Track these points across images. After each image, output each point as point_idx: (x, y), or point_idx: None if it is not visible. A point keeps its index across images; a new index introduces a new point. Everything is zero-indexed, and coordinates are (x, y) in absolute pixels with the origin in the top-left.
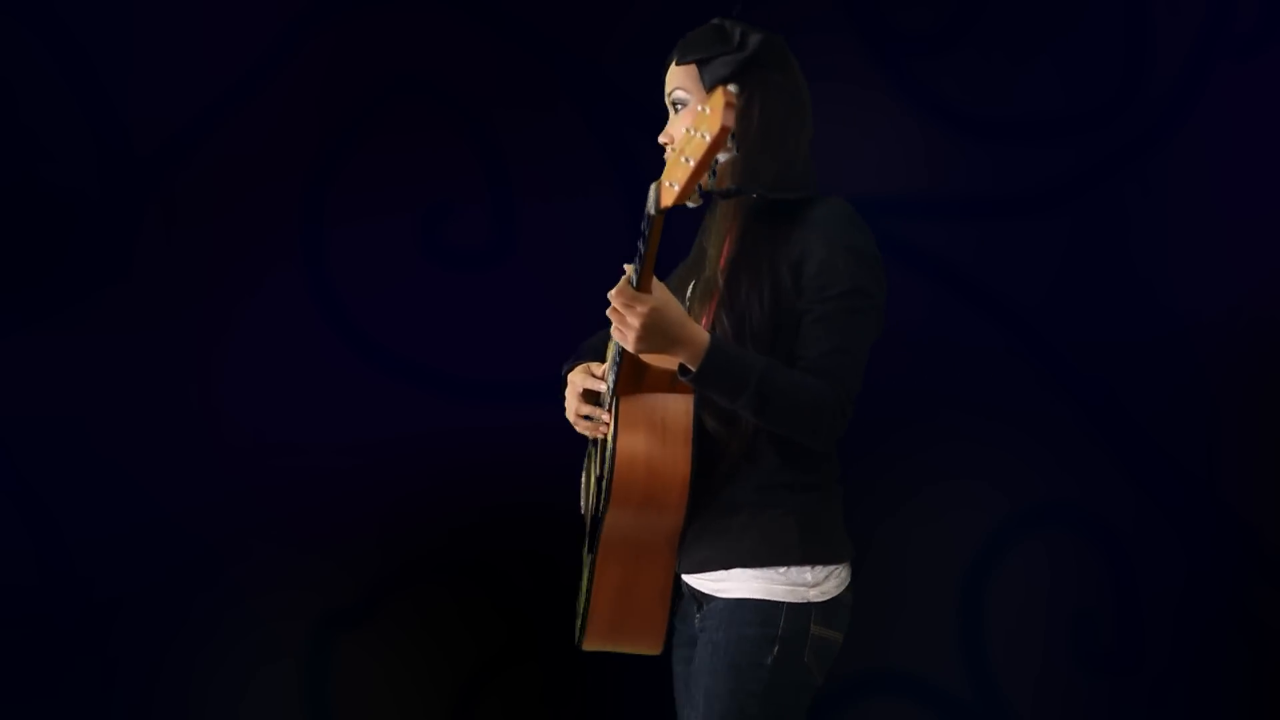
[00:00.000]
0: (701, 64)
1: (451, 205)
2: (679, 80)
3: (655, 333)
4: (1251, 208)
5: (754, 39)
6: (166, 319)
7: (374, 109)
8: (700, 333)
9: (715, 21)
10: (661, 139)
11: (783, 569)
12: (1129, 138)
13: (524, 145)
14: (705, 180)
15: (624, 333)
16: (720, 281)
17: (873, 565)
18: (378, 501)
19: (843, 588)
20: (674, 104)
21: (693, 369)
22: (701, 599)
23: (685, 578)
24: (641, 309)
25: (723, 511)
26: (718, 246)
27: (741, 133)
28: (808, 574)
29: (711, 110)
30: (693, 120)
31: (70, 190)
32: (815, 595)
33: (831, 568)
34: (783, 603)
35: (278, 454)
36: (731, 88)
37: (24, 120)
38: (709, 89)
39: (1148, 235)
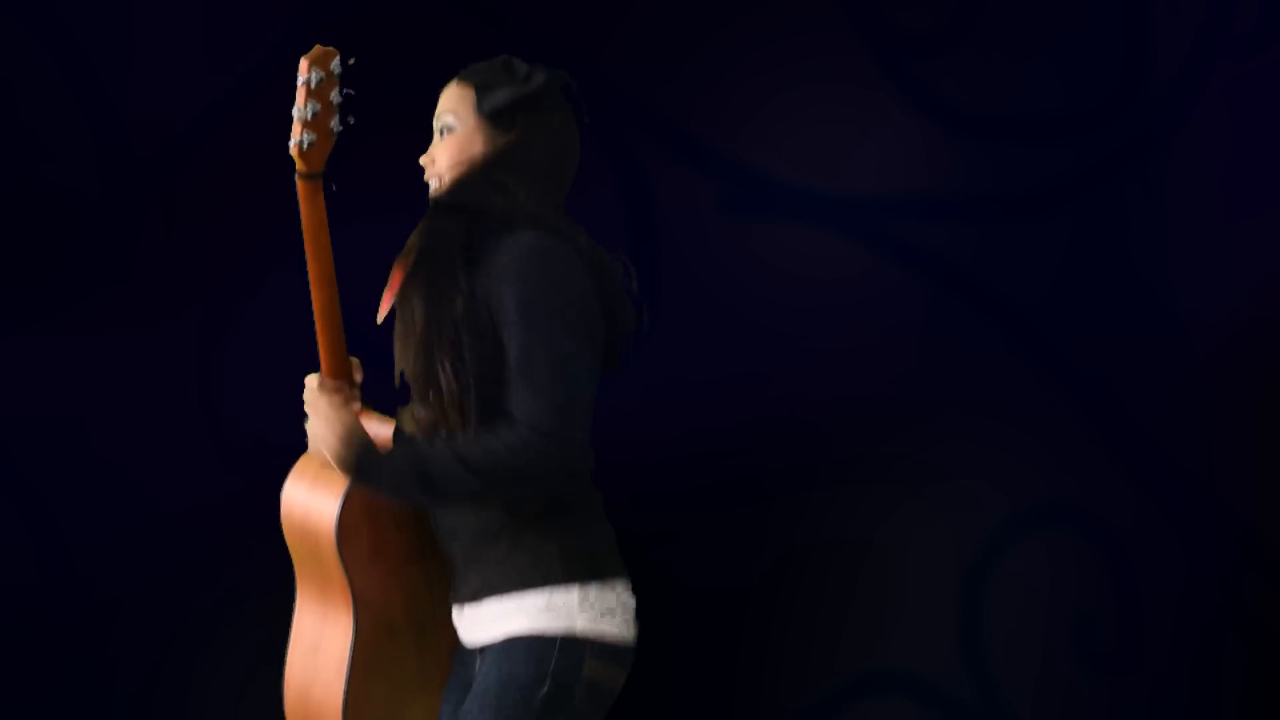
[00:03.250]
0: (481, 88)
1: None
2: (452, 103)
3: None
4: (1251, 208)
5: (539, 77)
6: (166, 319)
7: (374, 109)
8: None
9: (504, 57)
10: (423, 160)
11: (545, 590)
12: (1129, 138)
13: None
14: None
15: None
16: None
17: (873, 565)
18: None
19: (623, 616)
20: (441, 129)
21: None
22: (478, 650)
23: (456, 619)
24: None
25: (482, 539)
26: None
27: (496, 162)
28: (574, 594)
29: None
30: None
31: (70, 190)
32: (583, 622)
33: (595, 586)
34: (555, 637)
35: (278, 454)
36: None
37: (24, 120)
38: (484, 115)
39: (1148, 235)
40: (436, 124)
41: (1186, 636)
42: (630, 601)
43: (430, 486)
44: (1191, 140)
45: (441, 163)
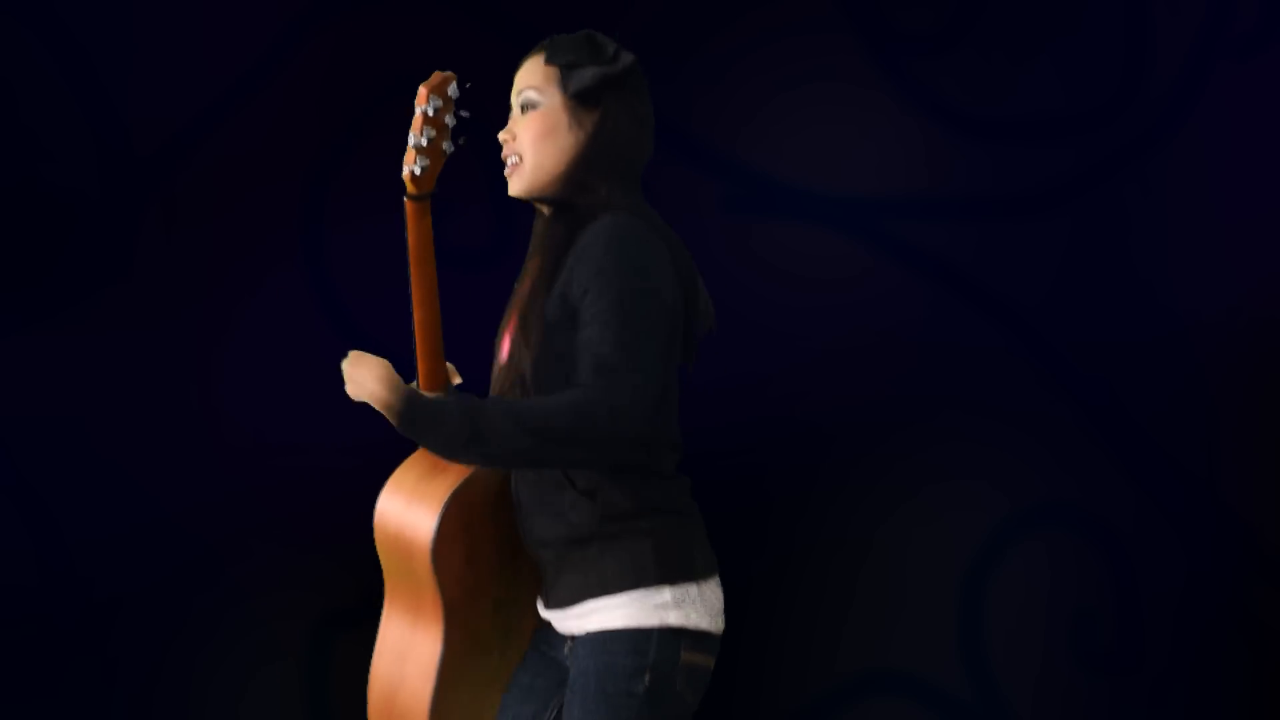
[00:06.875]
0: (568, 68)
1: (451, 205)
2: (535, 80)
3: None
4: (1251, 208)
5: (626, 57)
6: (166, 319)
7: (374, 109)
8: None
9: (587, 32)
10: (502, 136)
11: (640, 591)
12: (1129, 138)
13: None
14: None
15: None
16: (522, 301)
17: (873, 565)
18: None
19: (712, 611)
20: (523, 105)
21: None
22: (569, 636)
23: (546, 615)
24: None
25: (575, 545)
26: (532, 261)
27: (587, 147)
28: (666, 594)
29: None
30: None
31: (70, 190)
32: (675, 618)
33: (689, 586)
34: (652, 630)
35: (278, 454)
36: None
37: (24, 120)
38: (570, 95)
39: (1148, 235)
40: (516, 99)
41: (1186, 636)
42: (718, 599)
43: (479, 440)
44: (1191, 140)
45: (524, 139)
